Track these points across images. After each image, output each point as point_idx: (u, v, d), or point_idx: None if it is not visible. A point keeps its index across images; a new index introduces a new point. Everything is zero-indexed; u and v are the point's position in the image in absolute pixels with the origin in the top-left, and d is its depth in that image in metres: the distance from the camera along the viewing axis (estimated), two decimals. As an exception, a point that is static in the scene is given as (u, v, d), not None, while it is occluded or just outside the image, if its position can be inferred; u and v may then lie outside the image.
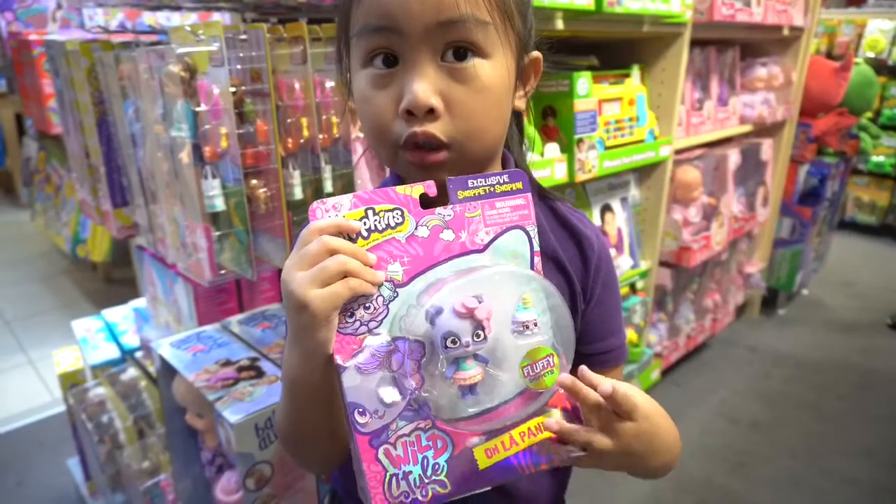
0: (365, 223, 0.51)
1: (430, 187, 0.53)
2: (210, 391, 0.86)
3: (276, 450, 0.85)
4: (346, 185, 1.01)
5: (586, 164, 1.47)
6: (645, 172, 1.87)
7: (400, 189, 0.52)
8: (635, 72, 1.68)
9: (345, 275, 0.49)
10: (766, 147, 2.41)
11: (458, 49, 0.54)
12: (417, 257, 0.53)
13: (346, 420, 0.51)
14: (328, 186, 0.98)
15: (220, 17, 1.94)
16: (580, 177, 1.46)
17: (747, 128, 2.26)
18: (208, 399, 0.85)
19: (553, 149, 1.43)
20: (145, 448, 1.25)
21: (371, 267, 0.50)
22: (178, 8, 1.23)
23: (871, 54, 3.88)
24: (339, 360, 0.51)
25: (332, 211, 0.51)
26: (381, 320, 0.52)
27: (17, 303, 2.85)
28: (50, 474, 1.75)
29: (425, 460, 0.53)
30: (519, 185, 0.55)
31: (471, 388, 0.53)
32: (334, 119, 0.97)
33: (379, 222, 0.52)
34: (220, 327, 1.07)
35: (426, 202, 0.54)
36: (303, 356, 0.52)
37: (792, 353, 2.52)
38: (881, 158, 4.03)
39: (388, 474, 0.52)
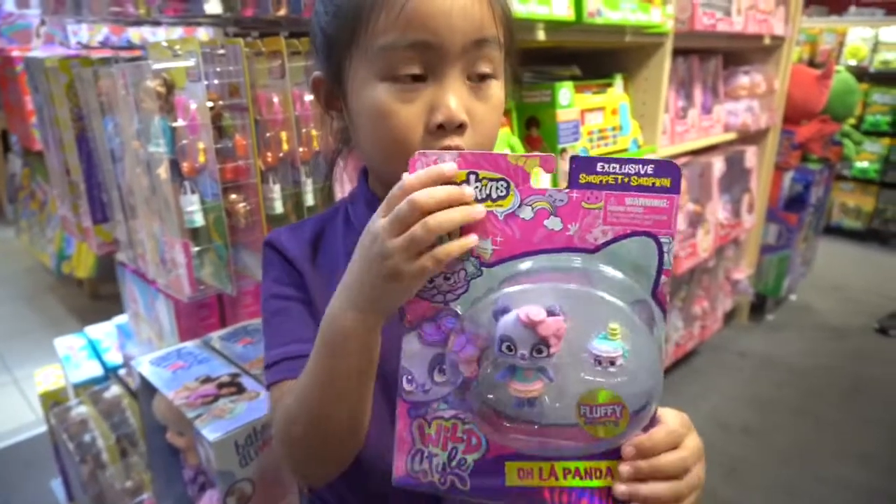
0: (465, 188, 0.47)
1: (548, 161, 0.47)
2: (190, 409, 0.85)
3: (256, 467, 0.84)
4: (327, 198, 1.00)
5: (570, 173, 1.47)
6: (630, 181, 1.87)
7: (512, 158, 0.47)
8: (618, 81, 1.69)
9: (436, 244, 0.47)
10: (751, 154, 2.43)
11: (480, 69, 0.57)
12: (513, 239, 0.48)
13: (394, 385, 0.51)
14: (309, 200, 0.98)
15: (205, 32, 1.94)
16: (564, 186, 1.46)
17: (731, 135, 2.27)
18: (188, 417, 0.84)
19: (537, 159, 1.43)
20: (128, 467, 1.23)
21: (476, 221, 0.47)
22: (157, 23, 1.22)
23: (853, 62, 3.93)
24: (407, 315, 0.49)
25: (433, 166, 0.47)
26: (459, 295, 0.49)
27: (2, 321, 2.81)
28: (34, 495, 1.72)
29: (454, 451, 0.51)
30: (666, 181, 0.46)
31: (529, 401, 0.48)
32: (314, 132, 0.97)
33: (480, 191, 0.47)
34: (201, 343, 1.05)
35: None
36: (367, 310, 0.49)
37: (782, 359, 2.53)
38: (865, 164, 4.08)
39: (414, 448, 0.51)
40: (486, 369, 0.48)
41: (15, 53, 2.48)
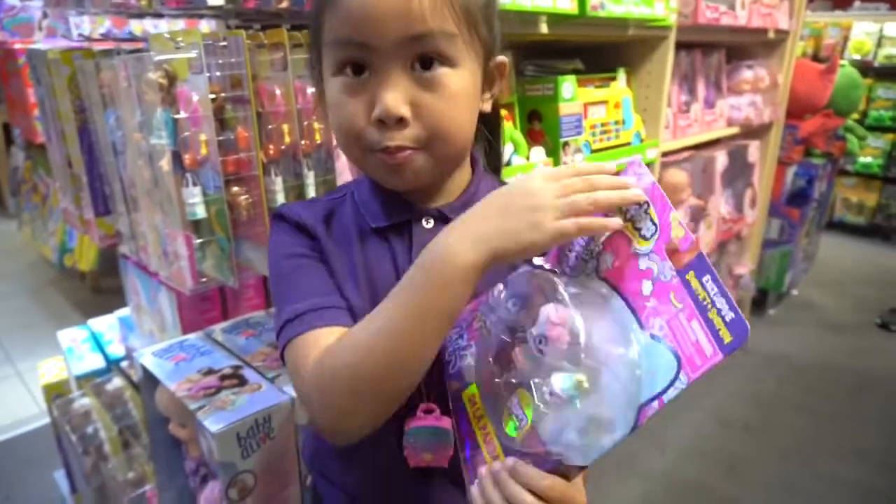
0: (636, 212, 0.52)
1: (701, 264, 0.49)
2: (192, 400, 0.86)
3: (258, 459, 0.84)
4: (329, 190, 1.00)
5: (573, 167, 1.47)
6: (632, 175, 1.87)
7: (674, 218, 0.50)
8: (621, 75, 1.68)
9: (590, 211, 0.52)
10: (754, 149, 2.42)
11: (425, 60, 0.56)
12: (621, 273, 0.53)
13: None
14: (311, 192, 0.98)
15: (207, 24, 1.94)
16: (567, 180, 1.46)
17: (734, 130, 2.27)
18: (190, 408, 0.84)
19: (539, 152, 1.43)
20: (130, 459, 1.23)
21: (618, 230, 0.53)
22: (159, 15, 1.22)
23: (857, 56, 3.91)
24: (544, 259, 0.58)
25: (637, 178, 0.53)
26: (577, 272, 0.56)
27: (5, 314, 2.82)
28: (38, 487, 1.73)
29: (468, 346, 0.60)
30: (728, 336, 0.47)
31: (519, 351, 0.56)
32: (316, 125, 0.96)
33: (642, 220, 0.52)
34: (204, 336, 1.06)
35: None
36: (487, 250, 0.51)
37: (783, 354, 2.53)
38: (868, 159, 4.06)
39: (460, 322, 0.61)
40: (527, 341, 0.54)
41: (17, 46, 2.48)
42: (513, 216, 0.51)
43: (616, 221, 0.52)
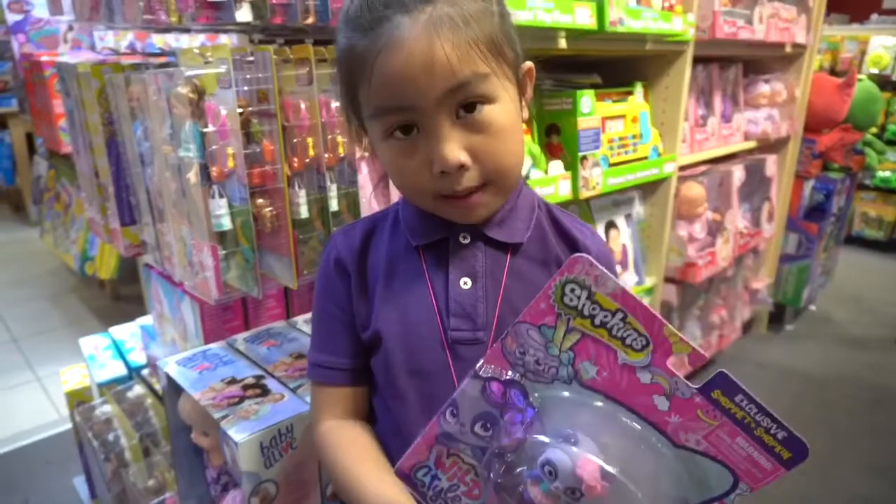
0: (607, 319, 0.48)
1: (697, 358, 0.47)
2: (215, 409, 0.87)
3: (281, 468, 0.85)
4: (351, 203, 1.02)
5: (590, 181, 1.48)
6: (649, 189, 1.87)
7: (668, 331, 0.47)
8: (638, 89, 1.69)
9: None
10: (771, 163, 2.41)
11: (468, 105, 0.58)
12: (616, 384, 0.50)
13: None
14: (334, 205, 0.99)
15: (228, 38, 1.97)
16: (584, 194, 1.47)
17: (751, 144, 2.26)
18: (213, 417, 0.85)
19: (557, 166, 1.43)
20: (151, 466, 1.25)
21: (598, 344, 0.50)
22: (186, 30, 1.25)
23: (875, 70, 3.89)
24: (484, 363, 0.53)
25: (592, 278, 0.48)
26: (543, 377, 0.51)
27: (26, 320, 2.87)
28: (56, 493, 1.75)
29: (456, 486, 0.56)
30: (786, 454, 0.46)
31: None
32: (340, 139, 0.98)
33: (617, 329, 0.48)
34: (226, 345, 1.07)
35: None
36: None
37: (801, 370, 2.50)
38: (887, 174, 4.03)
39: (427, 463, 0.56)
40: (520, 455, 0.51)
41: (43, 59, 2.53)
42: None
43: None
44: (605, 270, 0.48)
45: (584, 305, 0.49)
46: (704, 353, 0.48)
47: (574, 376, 0.50)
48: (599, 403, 0.50)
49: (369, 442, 0.70)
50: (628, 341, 0.49)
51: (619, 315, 0.48)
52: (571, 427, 0.50)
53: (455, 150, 0.57)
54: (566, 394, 0.51)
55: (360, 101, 0.62)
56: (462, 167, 0.58)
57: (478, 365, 0.53)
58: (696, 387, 0.47)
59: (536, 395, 0.52)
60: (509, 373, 0.52)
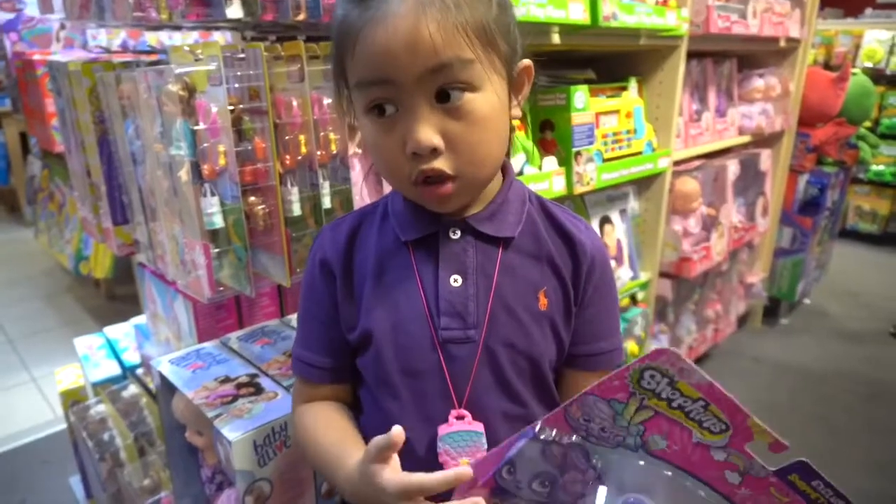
0: (686, 404, 0.48)
1: (777, 445, 0.48)
2: (209, 408, 0.87)
3: (275, 467, 0.85)
4: (344, 201, 1.01)
5: (584, 176, 1.47)
6: (644, 184, 1.87)
7: (753, 424, 0.48)
8: (632, 84, 1.69)
9: None
10: (765, 157, 2.41)
11: (448, 89, 0.57)
12: (687, 458, 0.49)
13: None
14: (326, 202, 0.99)
15: (221, 35, 1.96)
16: (578, 189, 1.46)
17: (746, 138, 2.26)
18: (207, 416, 0.85)
19: (551, 162, 1.43)
20: (146, 466, 1.25)
21: (673, 420, 0.50)
22: (178, 28, 1.24)
23: (869, 64, 3.89)
24: (544, 425, 0.53)
25: (676, 369, 0.47)
26: (608, 443, 0.51)
27: (21, 320, 2.86)
28: (53, 493, 1.75)
29: None
30: None
31: None
32: (332, 136, 0.98)
33: (697, 413, 0.48)
34: (220, 344, 1.07)
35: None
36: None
37: (796, 364, 2.51)
38: (881, 167, 4.04)
39: None
40: None
41: (36, 57, 2.52)
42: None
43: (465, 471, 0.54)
44: (692, 364, 0.47)
45: (662, 390, 0.48)
46: (786, 443, 0.47)
47: (642, 445, 0.50)
48: (668, 473, 0.50)
49: (340, 416, 0.73)
50: (706, 424, 0.48)
51: (701, 403, 0.48)
52: (638, 489, 0.51)
53: (429, 132, 0.57)
54: (632, 459, 0.51)
55: (347, 72, 0.62)
56: (435, 150, 0.58)
57: (536, 427, 0.53)
58: (773, 468, 0.47)
59: (597, 457, 0.52)
60: (573, 437, 0.52)
